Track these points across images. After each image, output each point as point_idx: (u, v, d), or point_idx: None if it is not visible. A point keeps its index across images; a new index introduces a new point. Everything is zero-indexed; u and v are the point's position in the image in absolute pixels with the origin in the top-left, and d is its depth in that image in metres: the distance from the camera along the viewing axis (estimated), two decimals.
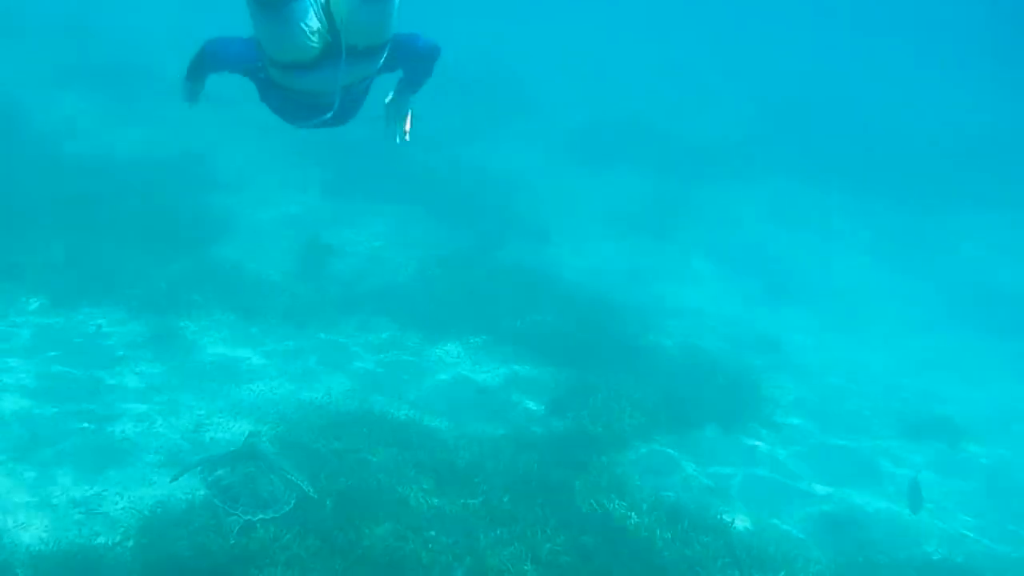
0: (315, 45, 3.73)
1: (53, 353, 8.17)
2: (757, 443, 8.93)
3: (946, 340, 12.96)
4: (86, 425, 7.22)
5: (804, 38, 28.00)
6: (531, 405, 8.78)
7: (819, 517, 7.98)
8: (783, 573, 6.90)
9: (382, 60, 3.96)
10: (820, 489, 8.44)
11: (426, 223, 12.90)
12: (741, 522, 7.51)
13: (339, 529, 6.23)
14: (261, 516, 6.17)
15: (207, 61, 4.00)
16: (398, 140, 4.48)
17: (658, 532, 6.86)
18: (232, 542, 5.98)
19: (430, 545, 6.34)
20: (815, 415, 9.81)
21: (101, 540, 6.03)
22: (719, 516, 7.36)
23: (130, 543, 6.03)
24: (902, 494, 8.28)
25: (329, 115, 4.00)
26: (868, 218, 16.99)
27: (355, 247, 11.70)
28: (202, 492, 6.41)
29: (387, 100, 4.42)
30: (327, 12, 3.73)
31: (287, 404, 7.90)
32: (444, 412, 8.34)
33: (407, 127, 4.46)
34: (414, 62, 4.17)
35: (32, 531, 6.03)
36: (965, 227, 17.17)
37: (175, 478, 6.40)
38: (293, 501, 6.31)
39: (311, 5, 3.68)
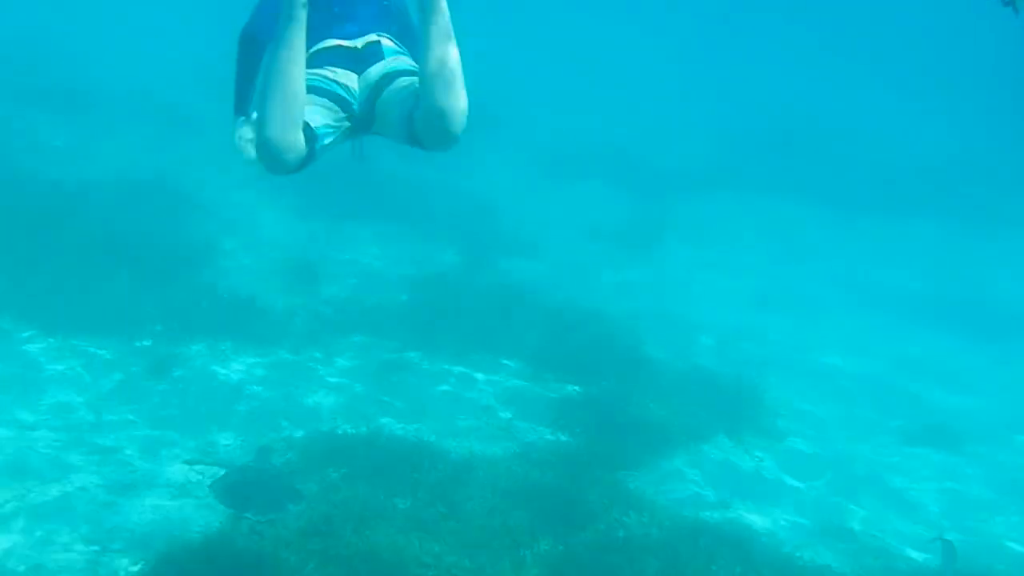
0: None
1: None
2: (764, 454, 8.88)
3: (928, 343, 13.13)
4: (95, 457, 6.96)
5: (776, 60, 28.50)
6: (536, 422, 8.66)
7: (834, 526, 7.93)
8: None
9: None
10: (832, 498, 8.41)
11: (411, 241, 12.76)
12: (760, 535, 7.41)
13: (360, 559, 6.00)
14: (271, 517, 6.14)
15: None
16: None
17: (680, 547, 6.77)
18: (241, 545, 5.93)
19: (453, 571, 6.14)
20: (817, 424, 9.82)
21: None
22: (738, 530, 7.28)
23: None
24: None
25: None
26: (842, 230, 17.21)
27: (342, 267, 11.50)
28: (212, 506, 6.39)
29: None
30: (367, 114, 3.78)
31: (293, 430, 7.68)
32: (452, 432, 8.19)
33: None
34: None
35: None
36: (934, 237, 17.51)
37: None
38: (304, 504, 6.29)
39: (339, 132, 3.75)
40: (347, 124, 3.79)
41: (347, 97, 3.78)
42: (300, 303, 10.21)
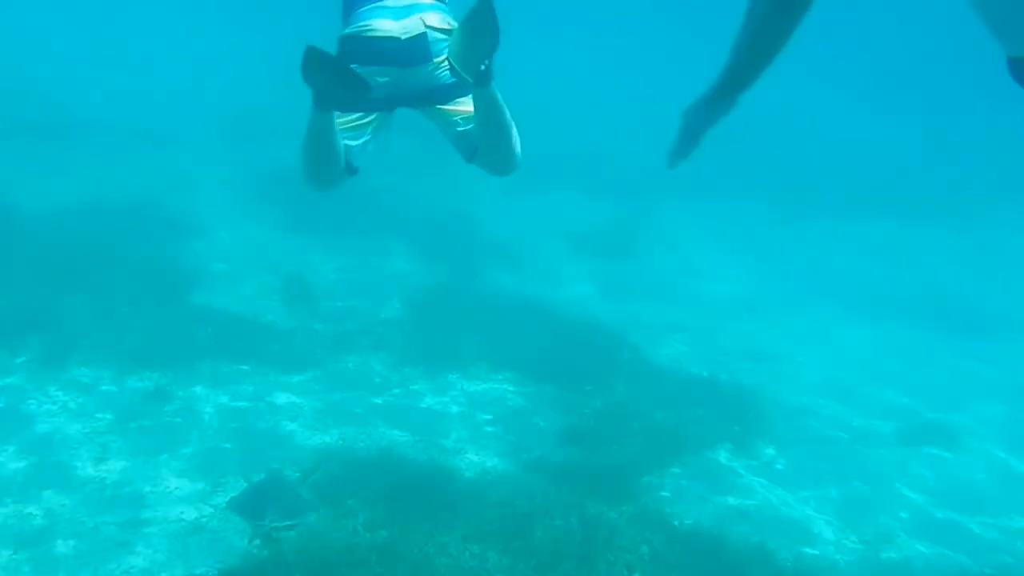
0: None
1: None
2: (771, 463, 8.85)
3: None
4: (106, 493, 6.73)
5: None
6: (544, 435, 8.56)
7: (846, 533, 7.92)
8: None
9: None
10: (840, 503, 8.41)
11: (397, 256, 12.63)
12: (778, 549, 7.36)
13: None
14: (287, 523, 6.17)
15: None
16: None
17: (706, 562, 6.71)
18: (254, 550, 5.98)
19: None
20: (819, 429, 9.83)
21: None
22: (754, 545, 7.23)
23: None
24: None
25: None
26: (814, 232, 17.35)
27: (333, 283, 11.31)
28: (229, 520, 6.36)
29: None
30: (404, 103, 3.92)
31: (301, 454, 7.49)
32: (461, 449, 8.07)
33: None
34: None
35: None
36: (907, 236, 17.75)
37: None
38: (321, 511, 6.31)
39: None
40: (380, 118, 3.90)
41: (380, 97, 3.71)
42: (293, 322, 10.00)
